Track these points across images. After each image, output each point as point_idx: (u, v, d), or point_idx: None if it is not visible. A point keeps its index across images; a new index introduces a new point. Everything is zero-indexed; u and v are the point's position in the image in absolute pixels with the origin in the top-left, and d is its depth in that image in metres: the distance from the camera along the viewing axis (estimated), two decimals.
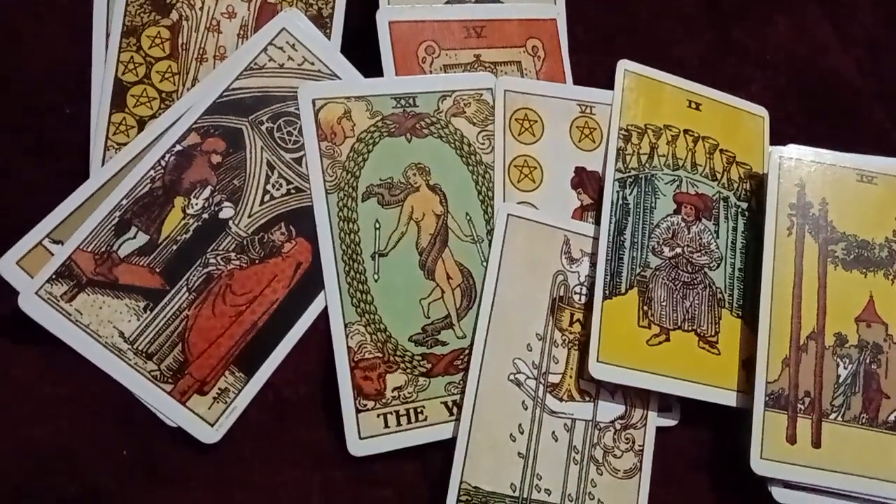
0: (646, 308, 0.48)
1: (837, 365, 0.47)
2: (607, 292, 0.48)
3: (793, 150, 0.51)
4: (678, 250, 0.49)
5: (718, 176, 0.52)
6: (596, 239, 0.49)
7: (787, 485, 0.45)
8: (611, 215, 0.49)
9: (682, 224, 0.50)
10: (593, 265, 0.49)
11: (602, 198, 0.50)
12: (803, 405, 0.46)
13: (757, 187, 0.52)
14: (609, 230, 0.49)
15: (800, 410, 0.46)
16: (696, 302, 0.49)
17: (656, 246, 0.49)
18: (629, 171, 0.50)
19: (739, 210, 0.51)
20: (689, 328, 0.48)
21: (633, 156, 0.51)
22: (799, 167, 0.50)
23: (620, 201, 0.50)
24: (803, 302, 0.48)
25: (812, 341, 0.47)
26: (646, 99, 0.52)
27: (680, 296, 0.49)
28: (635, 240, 0.49)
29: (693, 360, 0.48)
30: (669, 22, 0.58)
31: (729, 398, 0.47)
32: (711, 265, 0.50)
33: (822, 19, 0.61)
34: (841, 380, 0.47)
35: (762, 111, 0.55)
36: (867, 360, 0.47)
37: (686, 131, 0.52)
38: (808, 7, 0.61)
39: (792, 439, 0.45)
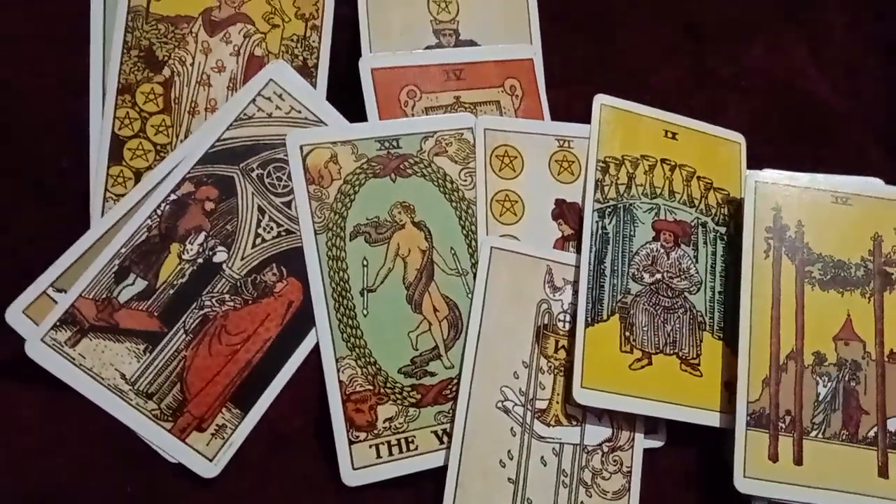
0: (627, 334, 0.50)
1: (817, 383, 0.49)
2: (589, 319, 0.50)
3: (768, 175, 0.53)
4: (658, 276, 0.52)
5: (696, 202, 0.54)
6: (577, 267, 0.52)
7: (771, 502, 0.47)
8: (591, 244, 0.52)
9: (662, 250, 0.52)
10: (576, 293, 0.51)
11: (582, 228, 0.53)
12: (784, 423, 0.48)
13: (735, 211, 0.54)
14: (589, 259, 0.51)
15: (781, 429, 0.48)
16: (678, 326, 0.51)
17: (636, 273, 0.52)
18: (608, 202, 0.53)
19: (718, 234, 0.54)
20: (671, 352, 0.50)
21: (611, 186, 0.53)
22: (774, 191, 0.52)
23: (600, 231, 0.52)
24: (782, 322, 0.50)
25: (791, 361, 0.49)
26: (622, 131, 0.55)
27: (661, 320, 0.51)
28: (615, 267, 0.51)
29: (675, 382, 0.50)
30: (646, 51, 0.61)
31: (712, 419, 0.49)
32: (691, 289, 0.52)
33: (799, 43, 0.63)
34: (821, 398, 0.49)
35: (738, 137, 0.57)
36: (846, 378, 0.49)
37: (663, 160, 0.55)
38: (784, 31, 0.63)
39: (774, 457, 0.47)
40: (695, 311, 0.52)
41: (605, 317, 0.50)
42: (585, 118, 0.56)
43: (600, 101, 0.55)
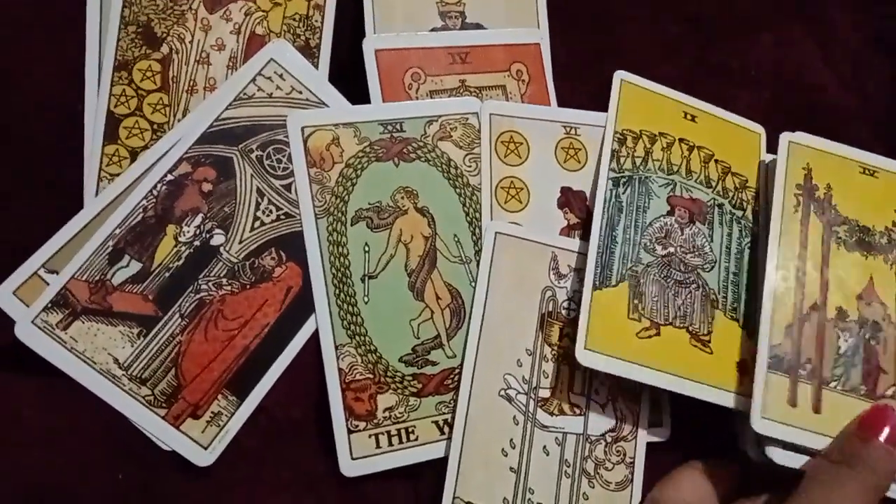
0: (636, 302, 0.50)
1: (838, 337, 0.49)
2: (597, 283, 0.49)
3: (801, 136, 0.53)
4: (671, 249, 0.51)
5: (713, 184, 0.54)
6: (583, 254, 0.52)
7: (785, 446, 0.47)
8: (603, 211, 0.51)
9: (676, 225, 0.52)
10: (581, 280, 0.51)
11: (588, 217, 0.53)
12: (804, 371, 0.48)
13: (753, 199, 0.55)
14: (601, 224, 0.51)
15: (801, 375, 0.48)
16: (689, 300, 0.51)
17: (648, 244, 0.51)
18: (623, 172, 0.52)
19: (734, 217, 0.53)
20: (681, 325, 0.50)
21: (628, 158, 0.53)
22: (806, 153, 0.53)
23: (613, 199, 0.52)
24: (807, 275, 0.50)
25: (815, 312, 0.49)
26: (642, 108, 0.55)
27: (672, 293, 0.50)
28: (627, 236, 0.51)
29: (685, 356, 0.49)
30: (653, 43, 0.61)
31: (724, 398, 0.49)
32: (705, 267, 0.52)
33: (806, 37, 0.63)
34: (841, 351, 0.49)
35: (758, 128, 0.57)
36: (866, 336, 0.49)
37: (681, 140, 0.54)
38: (792, 26, 0.64)
39: (793, 402, 0.47)
40: (707, 289, 0.51)
41: (613, 282, 0.50)
42: (591, 109, 0.56)
43: (620, 76, 0.55)
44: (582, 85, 0.58)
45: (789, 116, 0.61)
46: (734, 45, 0.62)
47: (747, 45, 0.63)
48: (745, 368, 0.49)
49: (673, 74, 0.61)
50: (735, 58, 0.62)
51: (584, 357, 0.48)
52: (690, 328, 0.50)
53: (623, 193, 0.52)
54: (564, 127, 0.55)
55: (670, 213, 0.52)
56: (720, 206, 0.53)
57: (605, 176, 0.52)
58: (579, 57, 0.59)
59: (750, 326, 0.51)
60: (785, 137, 0.53)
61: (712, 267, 0.52)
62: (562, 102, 0.57)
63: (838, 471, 0.44)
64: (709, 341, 0.50)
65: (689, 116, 0.55)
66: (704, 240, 0.52)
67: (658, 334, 0.49)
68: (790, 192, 0.52)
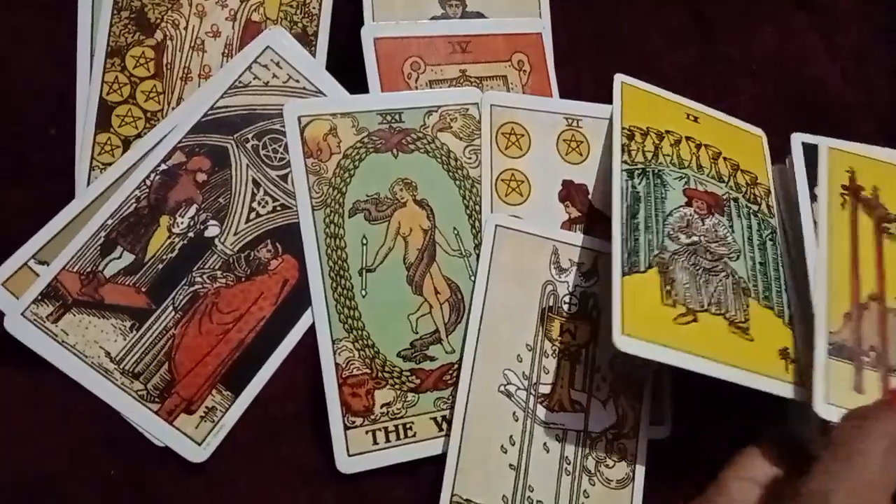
0: (668, 288, 0.48)
1: None
2: (626, 269, 0.48)
3: (838, 142, 0.54)
4: (695, 238, 0.51)
5: (725, 178, 0.53)
6: (584, 248, 0.52)
7: None
8: (621, 200, 0.50)
9: (696, 216, 0.51)
10: (582, 275, 0.51)
11: (590, 210, 0.53)
12: (868, 358, 0.48)
13: (766, 195, 0.54)
14: (621, 213, 0.50)
15: (864, 363, 0.47)
16: (721, 288, 0.50)
17: (671, 232, 0.50)
18: (636, 164, 0.52)
19: (751, 211, 0.53)
20: (717, 312, 0.49)
21: (638, 151, 0.52)
22: (847, 158, 0.53)
23: (630, 189, 0.51)
24: (861, 265, 0.50)
25: (873, 301, 0.49)
26: (645, 108, 0.54)
27: (703, 280, 0.50)
28: (649, 224, 0.50)
29: (727, 343, 0.48)
30: (655, 33, 0.61)
31: (772, 386, 0.47)
32: (731, 256, 0.51)
33: (809, 29, 0.63)
34: None
35: (759, 132, 0.57)
36: None
37: (688, 138, 0.54)
38: (795, 17, 0.64)
39: (859, 389, 0.47)
40: (737, 277, 0.50)
41: (642, 268, 0.48)
42: (593, 97, 0.56)
43: (620, 79, 0.55)
44: (584, 70, 0.58)
45: (792, 108, 0.61)
46: (737, 36, 0.62)
47: (750, 35, 0.63)
48: (788, 356, 0.49)
49: (676, 64, 0.61)
50: (738, 48, 0.62)
51: (622, 342, 0.45)
52: (727, 315, 0.49)
53: (639, 185, 0.51)
54: (567, 119, 0.55)
55: (688, 204, 0.52)
56: (735, 199, 0.53)
57: (619, 168, 0.51)
58: (582, 46, 0.59)
59: (787, 315, 0.50)
60: (824, 143, 0.53)
61: (738, 256, 0.51)
62: (563, 89, 0.57)
63: (861, 424, 0.42)
64: (748, 329, 0.49)
65: (691, 117, 0.55)
66: (726, 230, 0.52)
67: (696, 321, 0.48)
68: (835, 192, 0.52)
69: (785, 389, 0.48)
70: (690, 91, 0.58)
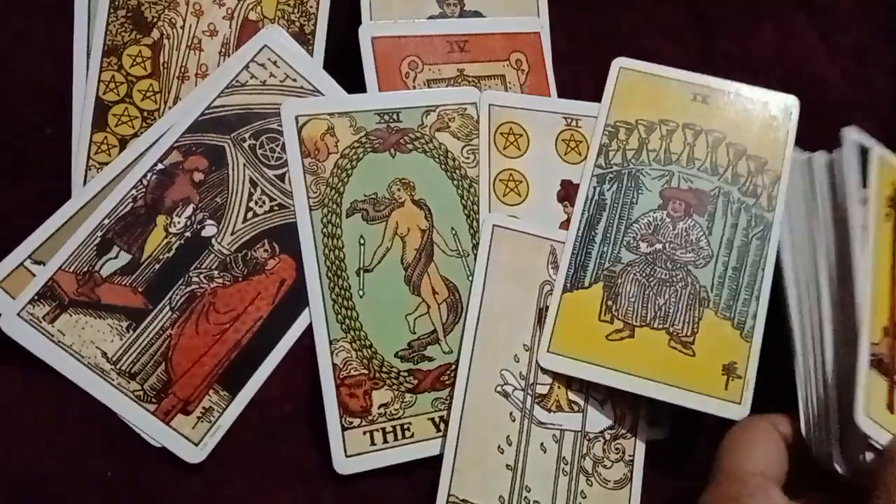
0: (610, 303, 0.50)
1: None
2: (568, 285, 0.50)
3: (887, 153, 0.52)
4: (658, 246, 0.52)
5: (720, 170, 0.54)
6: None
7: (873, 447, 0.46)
8: (583, 210, 0.52)
9: (668, 220, 0.52)
10: None
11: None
12: None
13: (770, 182, 0.54)
14: (579, 224, 0.51)
15: None
16: (673, 300, 0.51)
17: (632, 241, 0.51)
18: (610, 167, 0.53)
19: (743, 206, 0.53)
20: (660, 326, 0.50)
21: (618, 152, 0.53)
22: (893, 172, 0.52)
23: (596, 197, 0.52)
24: None
25: None
26: (642, 95, 0.54)
27: (653, 292, 0.51)
28: (608, 235, 0.51)
29: (661, 359, 0.49)
30: (654, 32, 0.61)
31: (702, 403, 0.49)
32: (698, 262, 0.52)
33: (809, 29, 0.63)
34: None
35: (790, 100, 0.56)
36: None
37: (686, 125, 0.54)
38: (795, 17, 0.64)
39: (891, 408, 0.46)
40: (698, 287, 0.51)
41: (586, 284, 0.50)
42: (593, 98, 0.56)
43: (619, 64, 0.55)
44: (583, 71, 0.58)
45: None
46: (737, 35, 0.62)
47: (750, 35, 0.63)
48: (732, 371, 0.49)
49: (675, 63, 0.60)
50: (738, 48, 0.62)
51: (546, 360, 0.49)
52: (671, 329, 0.50)
53: (608, 190, 0.52)
54: (565, 118, 0.55)
55: (662, 206, 0.52)
56: (726, 194, 0.53)
57: (590, 173, 0.52)
58: (580, 45, 0.59)
59: (747, 326, 0.50)
60: (875, 152, 0.52)
61: (706, 263, 0.52)
62: (562, 88, 0.57)
63: None
64: (692, 343, 0.50)
65: (699, 98, 0.55)
66: (701, 233, 0.52)
67: (632, 336, 0.50)
68: (882, 203, 0.50)
69: (710, 406, 0.49)
70: None
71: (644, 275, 0.51)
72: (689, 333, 0.50)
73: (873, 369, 0.46)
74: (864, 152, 0.53)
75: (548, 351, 0.49)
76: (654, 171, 0.53)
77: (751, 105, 0.56)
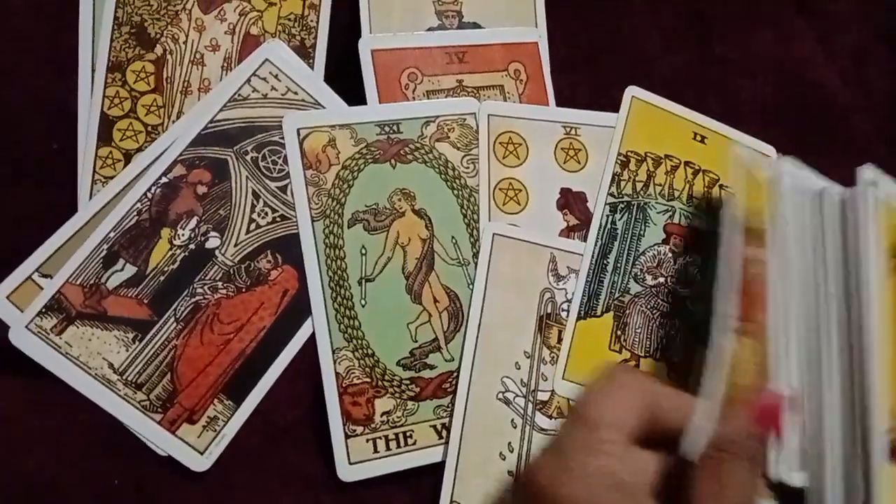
0: (619, 333, 0.52)
1: None
2: (582, 313, 0.52)
3: (886, 192, 0.49)
4: (661, 279, 0.53)
5: (715, 211, 0.55)
6: (582, 256, 0.53)
7: None
8: (597, 238, 0.53)
9: (669, 255, 0.54)
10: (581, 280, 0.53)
11: (589, 217, 0.54)
12: None
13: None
14: (593, 252, 0.53)
15: None
16: (672, 333, 0.52)
17: (639, 273, 0.53)
18: (622, 197, 0.54)
19: None
20: (661, 357, 0.52)
21: (629, 182, 0.54)
22: (893, 210, 0.50)
23: (609, 225, 0.54)
24: None
25: None
26: (650, 127, 0.56)
27: (656, 324, 0.52)
28: (618, 265, 0.53)
29: None
30: (652, 37, 0.62)
31: None
32: (694, 298, 0.53)
33: (807, 32, 0.64)
34: None
35: (769, 150, 0.58)
36: None
37: (687, 163, 0.56)
38: (793, 20, 0.65)
39: None
40: (694, 321, 0.53)
41: (598, 313, 0.52)
42: (590, 105, 0.57)
43: (632, 93, 0.56)
44: (581, 79, 0.60)
45: (791, 110, 0.62)
46: (736, 38, 0.63)
47: (749, 37, 0.64)
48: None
49: (674, 66, 0.62)
50: (737, 50, 0.63)
51: (560, 387, 0.50)
52: (670, 360, 0.52)
53: (620, 220, 0.53)
54: (564, 127, 0.56)
55: (665, 241, 0.54)
56: (719, 234, 0.54)
57: (604, 201, 0.53)
58: (578, 51, 0.60)
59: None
60: (872, 194, 0.48)
61: (700, 298, 0.53)
62: (560, 96, 0.59)
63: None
64: (687, 374, 0.52)
65: (698, 137, 0.56)
66: (696, 270, 0.54)
67: (637, 365, 0.51)
68: (881, 254, 0.47)
69: None
70: (689, 94, 0.59)
71: (649, 307, 0.52)
72: (686, 364, 0.52)
73: (888, 461, 0.44)
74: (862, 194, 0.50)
75: (563, 378, 0.50)
76: (660, 206, 0.54)
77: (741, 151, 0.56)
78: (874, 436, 0.44)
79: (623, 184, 0.54)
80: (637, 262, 0.53)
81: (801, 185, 0.50)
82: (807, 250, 0.50)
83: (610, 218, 0.53)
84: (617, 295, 0.52)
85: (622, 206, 0.54)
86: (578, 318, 0.51)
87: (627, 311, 0.52)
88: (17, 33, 0.55)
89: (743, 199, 0.47)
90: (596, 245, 0.53)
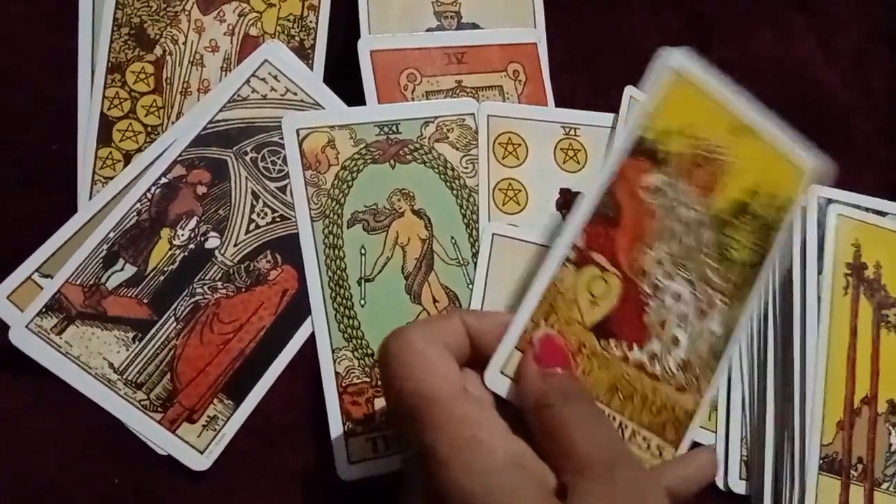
0: None
1: (889, 433, 0.49)
2: None
3: (849, 210, 0.52)
4: None
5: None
6: None
7: None
8: None
9: None
10: None
11: None
12: (856, 471, 0.48)
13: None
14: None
15: (853, 477, 0.48)
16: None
17: None
18: None
19: None
20: None
21: None
22: (855, 227, 0.52)
23: None
24: (857, 365, 0.49)
25: (865, 406, 0.49)
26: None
27: None
28: None
29: None
30: (651, 38, 0.62)
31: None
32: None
33: (807, 32, 0.65)
34: (893, 448, 0.49)
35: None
36: None
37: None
38: (793, 21, 0.65)
39: None
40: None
41: None
42: (589, 106, 0.57)
43: (630, 93, 0.56)
44: (580, 80, 0.60)
45: (791, 111, 0.62)
46: (735, 40, 0.64)
47: (748, 37, 0.64)
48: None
49: None
50: (736, 51, 0.64)
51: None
52: None
53: None
54: (563, 127, 0.57)
55: None
56: None
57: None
58: (577, 53, 0.61)
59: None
60: (833, 210, 0.52)
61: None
62: (559, 97, 0.59)
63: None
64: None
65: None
66: None
67: None
68: (839, 272, 0.51)
69: (704, 436, 0.51)
70: None
71: None
72: None
73: (824, 473, 0.47)
74: (828, 205, 0.52)
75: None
76: None
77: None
78: (809, 448, 0.47)
79: None
80: None
81: None
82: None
83: None
84: None
85: None
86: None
87: None
88: (17, 35, 0.56)
89: (654, 111, 0.43)
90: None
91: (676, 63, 0.44)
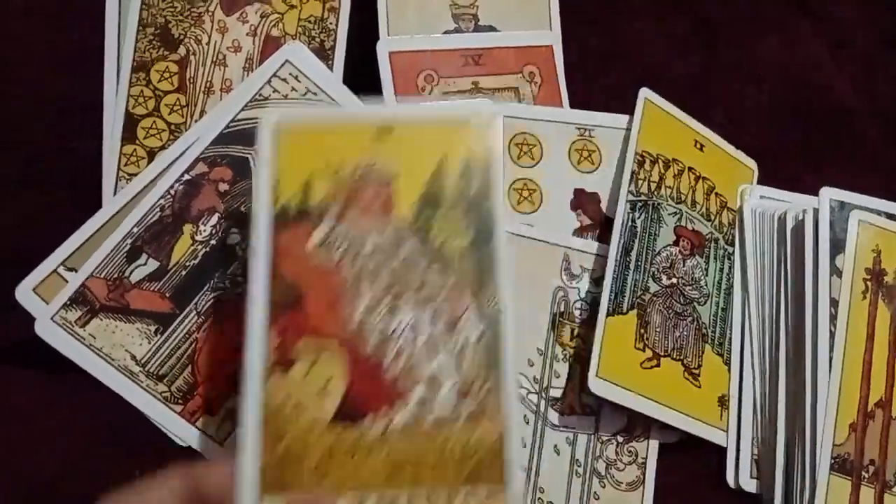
0: (642, 331, 0.53)
1: None
2: (611, 309, 0.52)
3: (871, 216, 0.53)
4: (674, 280, 0.54)
5: (712, 217, 0.57)
6: (595, 255, 0.54)
7: None
8: (620, 235, 0.54)
9: (679, 256, 0.55)
10: (593, 281, 0.54)
11: (603, 218, 0.56)
12: (867, 473, 0.49)
13: (740, 234, 0.57)
14: (618, 248, 0.53)
15: (863, 478, 0.49)
16: (685, 333, 0.54)
17: (656, 273, 0.54)
18: (640, 196, 0.55)
19: (727, 253, 0.57)
20: (677, 357, 0.53)
21: (644, 182, 0.56)
22: (876, 233, 0.53)
23: (630, 223, 0.54)
24: (873, 368, 0.51)
25: (879, 409, 0.50)
26: (661, 130, 0.57)
27: (672, 325, 0.53)
28: (639, 263, 0.54)
29: (678, 388, 0.52)
30: (661, 43, 0.64)
31: (708, 432, 0.53)
32: (700, 300, 0.55)
33: (815, 37, 0.66)
34: None
35: (751, 163, 0.60)
36: None
37: (690, 168, 0.57)
38: (800, 25, 0.66)
39: None
40: (700, 323, 0.54)
41: (624, 310, 0.53)
42: (603, 108, 0.58)
43: (645, 95, 0.57)
44: (594, 82, 0.61)
45: (798, 115, 0.63)
46: (742, 45, 0.65)
47: (755, 42, 0.65)
48: (724, 403, 0.53)
49: (682, 72, 0.63)
50: (744, 56, 0.64)
51: (595, 385, 0.50)
52: (684, 361, 0.53)
53: (638, 218, 0.55)
54: (578, 128, 0.58)
55: (675, 243, 0.55)
56: (716, 240, 0.56)
57: (624, 198, 0.54)
58: (590, 56, 0.62)
59: (732, 364, 0.54)
60: (855, 216, 0.53)
61: (706, 301, 0.55)
62: (574, 99, 0.60)
63: None
64: (699, 375, 0.53)
65: (698, 145, 0.58)
66: (702, 273, 0.55)
67: (658, 365, 0.52)
68: (859, 276, 0.52)
69: (714, 435, 0.52)
70: (696, 99, 0.60)
71: (665, 306, 0.53)
72: (696, 366, 0.53)
73: (835, 473, 0.48)
74: (842, 209, 0.53)
75: (597, 376, 0.50)
76: (670, 207, 0.56)
77: (729, 161, 0.59)
78: (821, 447, 0.48)
79: (640, 183, 0.55)
80: (654, 262, 0.54)
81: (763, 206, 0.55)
82: (766, 265, 0.55)
83: (630, 215, 0.54)
84: (639, 293, 0.53)
85: (640, 204, 0.55)
86: (607, 315, 0.52)
87: (648, 310, 0.53)
88: (45, 33, 0.57)
89: (280, 174, 0.42)
90: (619, 241, 0.53)
91: (276, 119, 0.43)
